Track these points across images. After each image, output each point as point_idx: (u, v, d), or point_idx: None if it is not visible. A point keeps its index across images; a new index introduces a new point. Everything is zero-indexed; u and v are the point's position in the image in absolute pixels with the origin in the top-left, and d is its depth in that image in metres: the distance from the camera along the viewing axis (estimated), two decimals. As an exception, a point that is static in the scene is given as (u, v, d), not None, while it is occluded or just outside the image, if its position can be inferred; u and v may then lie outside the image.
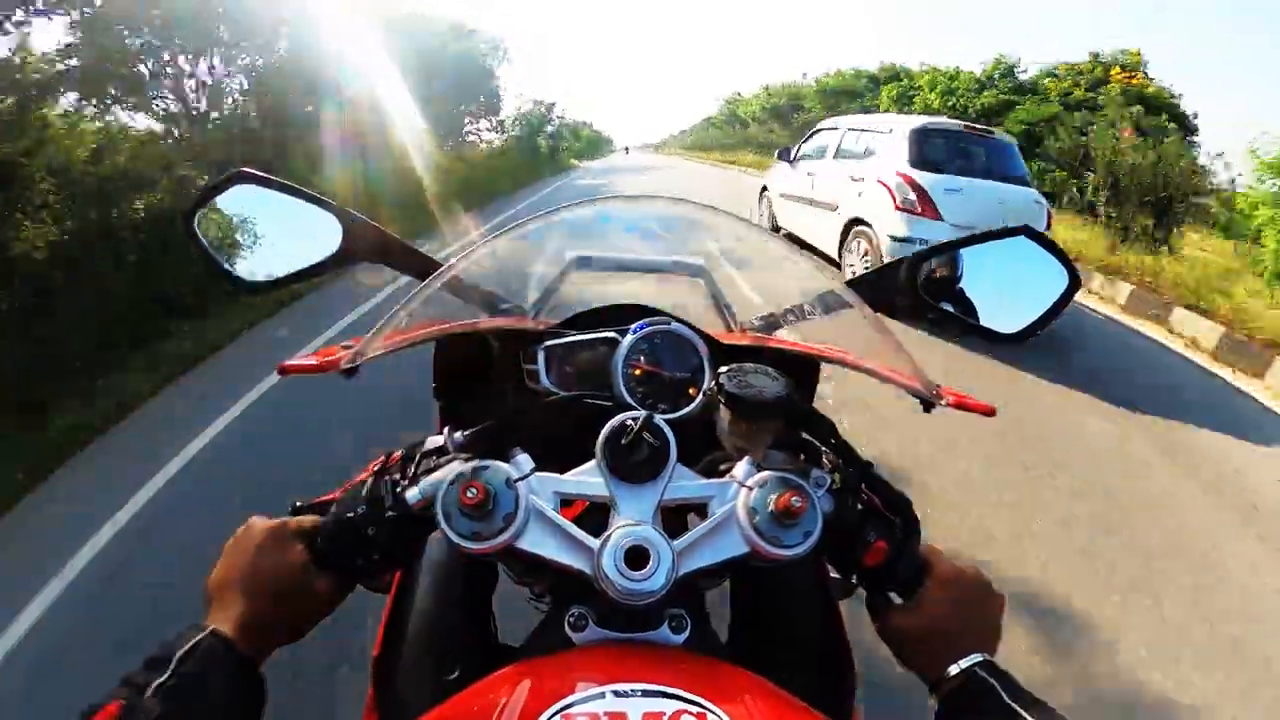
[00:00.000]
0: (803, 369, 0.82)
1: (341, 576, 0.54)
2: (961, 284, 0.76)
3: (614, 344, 0.76)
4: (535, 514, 0.48)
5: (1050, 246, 0.74)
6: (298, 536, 0.53)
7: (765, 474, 0.51)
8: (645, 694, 0.39)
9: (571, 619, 0.49)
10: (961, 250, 0.76)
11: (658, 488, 0.50)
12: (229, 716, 0.43)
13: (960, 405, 0.65)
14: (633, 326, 0.76)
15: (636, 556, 0.46)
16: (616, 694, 0.39)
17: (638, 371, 0.75)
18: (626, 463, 0.50)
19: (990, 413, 0.66)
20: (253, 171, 0.79)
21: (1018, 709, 0.45)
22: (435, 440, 0.59)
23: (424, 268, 0.78)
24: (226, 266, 0.81)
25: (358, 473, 0.58)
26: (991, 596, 0.55)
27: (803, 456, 0.60)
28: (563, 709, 0.38)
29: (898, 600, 0.55)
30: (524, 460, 0.51)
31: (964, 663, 0.49)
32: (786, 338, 0.83)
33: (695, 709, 0.38)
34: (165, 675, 0.41)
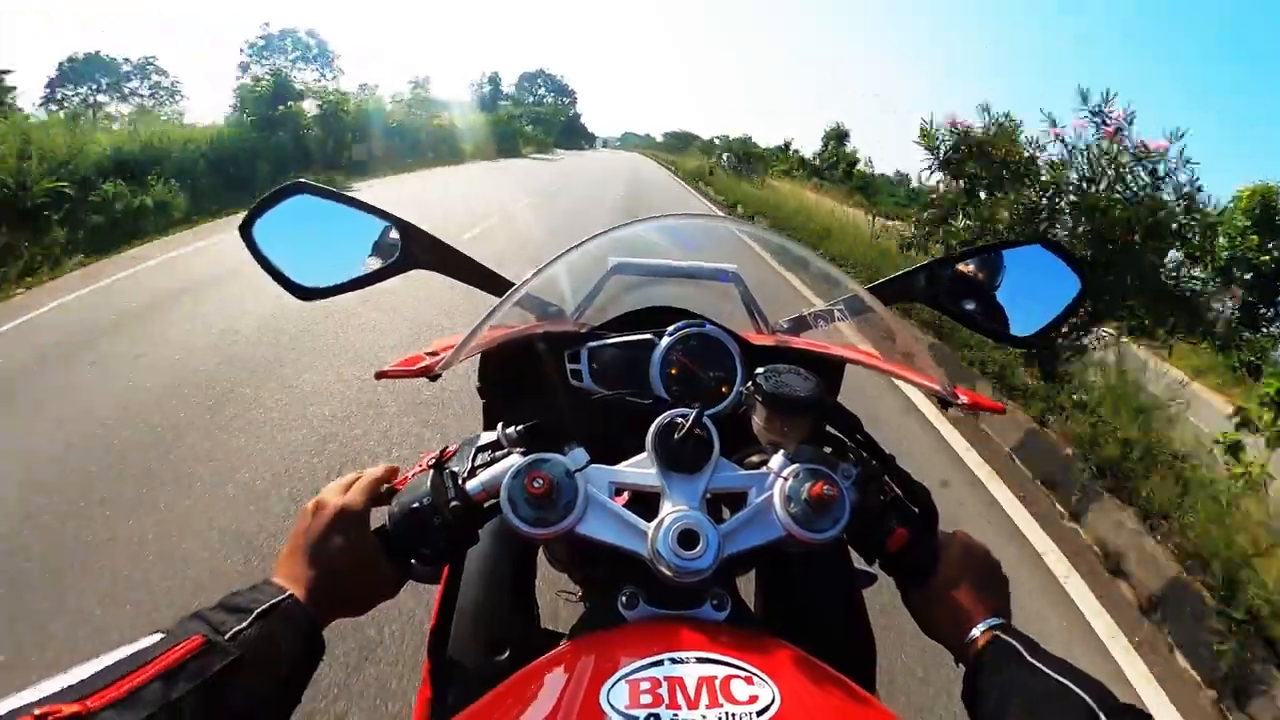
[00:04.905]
0: (827, 367, 0.87)
1: (404, 563, 0.59)
2: (979, 289, 0.81)
3: (652, 345, 0.81)
4: (594, 502, 0.54)
5: (1065, 254, 0.78)
6: (367, 523, 0.57)
7: (799, 466, 0.56)
8: (699, 661, 0.44)
9: (624, 598, 0.54)
10: (979, 257, 0.80)
11: (703, 478, 0.56)
12: (292, 669, 0.48)
13: (974, 405, 0.71)
14: (669, 329, 0.81)
15: (687, 538, 0.51)
16: (673, 661, 0.44)
17: (674, 371, 0.80)
18: (676, 455, 0.56)
19: (1001, 411, 0.72)
20: (309, 182, 0.82)
21: (1040, 665, 0.48)
22: (489, 436, 0.65)
23: (480, 276, 0.83)
24: (287, 275, 0.86)
25: (412, 466, 0.64)
26: (999, 571, 0.59)
27: (830, 450, 0.65)
28: (626, 675, 0.43)
29: (919, 579, 0.59)
30: (580, 453, 0.57)
31: (983, 625, 0.53)
32: (814, 339, 0.88)
33: (743, 674, 0.43)
34: (245, 624, 0.45)
